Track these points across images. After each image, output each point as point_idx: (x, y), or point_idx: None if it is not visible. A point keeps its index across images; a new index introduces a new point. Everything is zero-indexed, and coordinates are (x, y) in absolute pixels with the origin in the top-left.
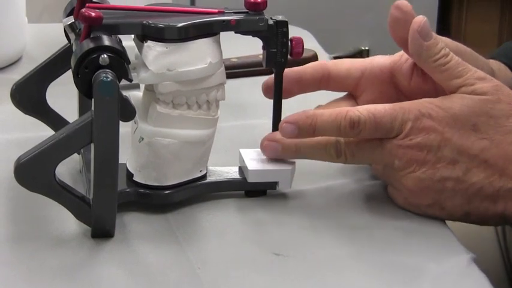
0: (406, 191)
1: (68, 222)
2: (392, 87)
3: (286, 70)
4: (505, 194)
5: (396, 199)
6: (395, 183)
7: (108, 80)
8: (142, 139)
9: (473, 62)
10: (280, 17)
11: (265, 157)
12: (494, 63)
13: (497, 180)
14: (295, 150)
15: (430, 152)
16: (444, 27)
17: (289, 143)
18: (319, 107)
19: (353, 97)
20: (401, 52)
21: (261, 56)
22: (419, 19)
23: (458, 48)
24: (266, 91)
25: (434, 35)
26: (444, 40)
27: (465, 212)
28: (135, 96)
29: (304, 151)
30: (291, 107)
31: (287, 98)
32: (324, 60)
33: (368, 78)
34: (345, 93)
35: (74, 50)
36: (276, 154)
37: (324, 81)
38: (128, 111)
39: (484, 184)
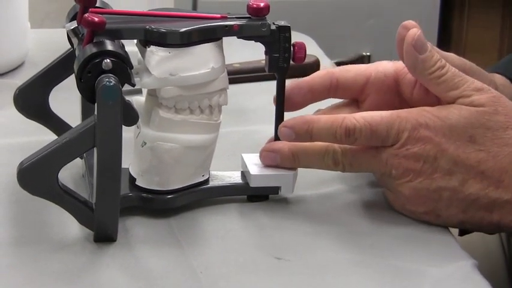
0: (402, 198)
1: (70, 226)
2: (395, 94)
3: (297, 82)
4: (501, 205)
5: (393, 203)
6: (392, 190)
7: (111, 84)
8: (145, 144)
9: (477, 77)
10: (282, 22)
11: None
12: (499, 78)
13: (493, 191)
14: (293, 160)
15: (427, 162)
16: (445, 34)
17: (287, 153)
18: (318, 111)
19: (355, 102)
20: None
21: (263, 61)
22: (413, 32)
23: (465, 66)
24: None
25: (430, 47)
26: (450, 57)
27: (460, 220)
28: (137, 101)
29: (302, 161)
30: (294, 113)
31: (300, 109)
32: (328, 67)
33: (373, 84)
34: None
35: (77, 55)
36: (275, 163)
37: (333, 90)
38: (130, 116)
39: (480, 195)
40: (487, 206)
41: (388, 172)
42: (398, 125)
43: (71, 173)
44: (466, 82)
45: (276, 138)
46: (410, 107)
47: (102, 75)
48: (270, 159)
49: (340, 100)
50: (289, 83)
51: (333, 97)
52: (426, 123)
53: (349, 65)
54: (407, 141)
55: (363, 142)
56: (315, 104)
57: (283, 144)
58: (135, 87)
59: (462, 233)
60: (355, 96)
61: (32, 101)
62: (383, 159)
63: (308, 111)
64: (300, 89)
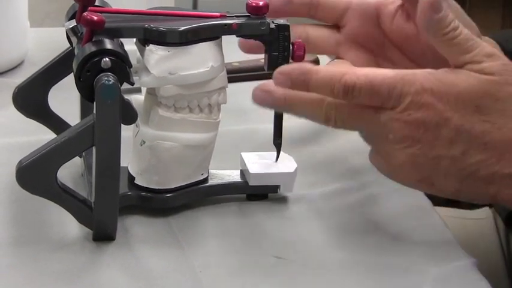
0: (396, 163)
1: (69, 225)
2: (375, 25)
3: None
4: (500, 178)
5: (381, 168)
6: (384, 154)
7: (110, 83)
8: (144, 142)
9: (460, 20)
10: (282, 21)
11: (267, 161)
12: (487, 39)
13: (494, 164)
14: (285, 104)
15: (428, 130)
16: None
17: (279, 96)
18: (297, 24)
19: (336, 26)
20: None
21: (262, 60)
22: None
23: (457, 11)
24: (244, 46)
25: (445, 5)
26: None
27: (456, 190)
28: (136, 99)
29: (293, 107)
30: None
31: (274, 17)
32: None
33: (354, 10)
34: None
35: (76, 54)
36: (266, 104)
37: (313, 8)
38: (129, 115)
39: (480, 166)
40: (485, 178)
41: (385, 135)
42: (402, 87)
43: (70, 172)
44: (478, 46)
45: (276, 136)
46: (389, 41)
47: (101, 74)
48: (261, 98)
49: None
50: None
51: (312, 17)
52: (431, 88)
53: None
54: (409, 106)
55: (362, 101)
56: None
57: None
58: (134, 86)
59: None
60: (334, 20)
61: (31, 100)
62: (381, 122)
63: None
64: None
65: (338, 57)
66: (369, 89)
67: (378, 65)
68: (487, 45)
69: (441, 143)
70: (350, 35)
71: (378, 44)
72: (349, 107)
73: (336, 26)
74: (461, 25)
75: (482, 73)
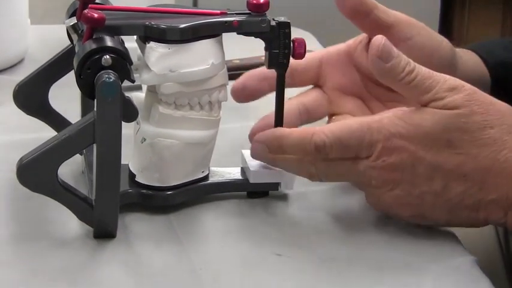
0: (385, 205)
1: (70, 223)
2: (353, 71)
3: (251, 71)
4: (486, 205)
5: (375, 207)
6: (374, 198)
7: (111, 80)
8: (145, 140)
9: (426, 37)
10: (282, 18)
11: None
12: (461, 50)
13: (477, 192)
14: (274, 163)
15: (405, 170)
16: (446, 31)
17: (268, 156)
18: (290, 99)
19: (319, 88)
20: (355, 37)
21: (263, 58)
22: (378, 41)
23: (409, 21)
24: (236, 96)
25: (396, 52)
26: (393, 14)
27: (447, 220)
28: (137, 97)
29: (281, 166)
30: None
31: (258, 98)
32: None
33: (327, 64)
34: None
35: (76, 51)
36: (259, 158)
37: (288, 77)
38: (130, 112)
39: (464, 196)
40: (472, 206)
41: (367, 182)
42: (370, 137)
43: (70, 170)
44: (438, 83)
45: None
46: (370, 80)
47: (102, 72)
48: (256, 152)
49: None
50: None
51: (290, 86)
52: (399, 132)
53: None
54: (382, 153)
55: (335, 156)
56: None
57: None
58: (135, 83)
59: None
60: (312, 82)
61: (32, 97)
62: (360, 171)
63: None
64: (253, 76)
65: (334, 115)
66: (338, 145)
67: (368, 107)
68: (448, 79)
69: (421, 181)
70: (334, 89)
71: (360, 87)
72: (326, 162)
73: (318, 87)
74: (417, 66)
75: (446, 108)
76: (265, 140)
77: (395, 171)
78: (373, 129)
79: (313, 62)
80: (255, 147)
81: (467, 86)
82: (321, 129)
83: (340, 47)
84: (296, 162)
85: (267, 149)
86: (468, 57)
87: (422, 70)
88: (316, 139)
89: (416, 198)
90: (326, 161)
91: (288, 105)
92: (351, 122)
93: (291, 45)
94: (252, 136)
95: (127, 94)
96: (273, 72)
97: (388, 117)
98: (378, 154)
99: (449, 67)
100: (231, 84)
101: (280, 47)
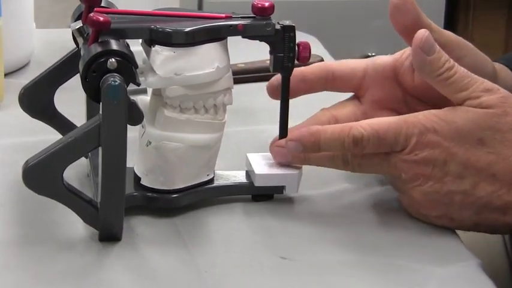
0: (414, 202)
1: (75, 225)
2: (396, 86)
3: None
4: None
5: (407, 208)
6: (404, 193)
7: (116, 84)
8: (150, 143)
9: (474, 58)
10: (287, 22)
11: (272, 161)
12: (497, 65)
13: (506, 194)
14: (304, 158)
15: (436, 166)
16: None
17: (299, 155)
18: (323, 109)
19: (357, 98)
20: (403, 50)
21: (268, 61)
22: (422, 33)
23: (459, 42)
24: (272, 92)
25: (438, 48)
26: (447, 35)
27: (475, 222)
28: (142, 100)
29: (312, 160)
30: (298, 110)
31: (293, 98)
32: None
33: (371, 76)
34: (348, 95)
35: (82, 54)
36: (285, 160)
37: (329, 82)
38: (135, 115)
39: (492, 197)
40: (499, 208)
41: (398, 175)
42: (406, 130)
43: (76, 172)
44: (476, 83)
45: (281, 137)
46: (412, 96)
47: (107, 75)
48: (280, 155)
49: (344, 96)
50: None
51: (329, 90)
52: (433, 127)
53: (348, 59)
54: (415, 147)
55: (371, 150)
56: (319, 101)
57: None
58: (140, 86)
59: None
60: (353, 90)
61: (37, 100)
62: (392, 164)
63: (311, 106)
64: (292, 77)
65: None
66: (376, 138)
67: None
68: (486, 81)
69: (451, 179)
70: (372, 101)
71: (400, 102)
72: (361, 154)
73: (356, 97)
74: (457, 64)
75: (480, 107)
76: (300, 138)
77: (426, 166)
78: (409, 123)
79: (357, 71)
80: (289, 145)
81: (503, 89)
82: (358, 123)
83: (387, 60)
84: (329, 157)
85: (301, 147)
86: (505, 74)
87: (461, 69)
88: (355, 132)
89: (444, 197)
90: (361, 155)
91: (319, 116)
92: (387, 117)
93: (296, 48)
94: (273, 144)
95: (132, 97)
96: (312, 74)
97: (424, 114)
98: (412, 148)
99: None
100: (242, 86)
101: (285, 51)
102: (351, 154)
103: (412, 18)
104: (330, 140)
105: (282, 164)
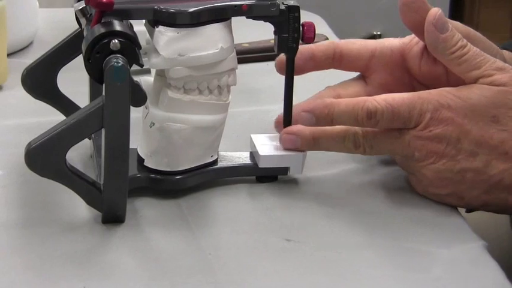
0: (425, 180)
1: (78, 207)
2: (403, 70)
3: (300, 47)
4: None
5: (416, 187)
6: (415, 173)
7: (119, 65)
8: (154, 124)
9: (484, 48)
10: (292, 2)
11: (277, 142)
12: (506, 53)
13: None
14: (314, 143)
15: (450, 144)
16: (457, 13)
17: (307, 136)
18: (328, 87)
19: (363, 78)
20: (412, 35)
21: (272, 41)
22: (435, 11)
23: (469, 34)
24: (280, 68)
25: (451, 26)
26: (456, 25)
27: (484, 201)
28: (146, 81)
29: (322, 144)
30: (303, 89)
31: (299, 74)
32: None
33: (379, 58)
34: (354, 75)
35: (85, 35)
36: (295, 146)
37: (336, 60)
38: (139, 97)
39: (503, 176)
40: (510, 186)
41: (411, 154)
42: (420, 106)
43: (79, 154)
44: (488, 61)
45: (285, 117)
46: (419, 83)
47: (110, 56)
48: (290, 142)
49: (350, 75)
50: None
51: (336, 68)
52: (448, 104)
53: (356, 39)
54: (429, 123)
55: (384, 125)
56: (325, 81)
57: (303, 127)
58: (144, 67)
59: (469, 210)
60: (359, 70)
61: (40, 81)
62: (405, 141)
63: (316, 84)
64: (301, 53)
65: None
66: (390, 112)
67: None
68: (497, 60)
69: (464, 157)
70: (378, 83)
71: (406, 87)
72: (374, 132)
73: (362, 77)
74: (469, 44)
75: (494, 84)
76: (313, 109)
77: (440, 143)
78: (423, 99)
79: (365, 52)
80: (303, 116)
81: None
82: (373, 98)
83: (395, 43)
84: (341, 134)
85: (314, 118)
86: (509, 56)
87: (473, 48)
88: (369, 105)
89: (456, 175)
90: (374, 131)
91: (323, 94)
92: (401, 93)
93: (301, 29)
94: (278, 123)
95: (136, 78)
96: (321, 52)
97: (438, 91)
98: (426, 124)
99: None
100: (246, 66)
101: (290, 31)
102: (362, 135)
103: (422, 15)
104: (343, 113)
105: None
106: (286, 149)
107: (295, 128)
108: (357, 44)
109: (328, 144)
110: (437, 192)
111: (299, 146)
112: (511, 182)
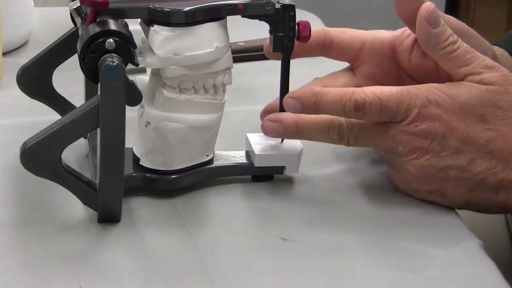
0: (408, 176)
1: (74, 207)
2: (392, 63)
3: None
4: (507, 185)
5: (397, 182)
6: (398, 168)
7: (115, 64)
8: (149, 123)
9: (475, 44)
10: (287, 1)
11: (273, 141)
12: (498, 50)
13: (501, 171)
14: (296, 131)
15: (435, 140)
16: (452, 11)
17: (290, 123)
18: (316, 79)
19: (351, 70)
20: (404, 28)
21: (268, 40)
22: (428, 5)
23: (462, 28)
24: (268, 52)
25: (443, 21)
26: (449, 19)
27: (466, 200)
28: (141, 80)
29: (305, 133)
30: (296, 83)
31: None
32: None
33: (369, 49)
34: (343, 67)
35: (80, 35)
36: (277, 134)
37: (326, 48)
38: (134, 96)
39: (487, 174)
40: (493, 186)
41: (395, 148)
42: (408, 101)
43: (74, 153)
44: (478, 59)
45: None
46: (408, 76)
47: (106, 55)
48: (272, 129)
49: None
50: None
51: (325, 56)
52: (436, 100)
53: (347, 28)
54: (416, 118)
55: (371, 117)
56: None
57: (287, 115)
58: (139, 66)
59: None
60: (348, 60)
61: (35, 80)
62: (390, 135)
63: (305, 76)
64: None
65: None
66: (378, 105)
67: None
68: (487, 58)
69: (448, 154)
70: (367, 75)
71: (394, 80)
72: (359, 124)
73: (350, 69)
74: (460, 40)
75: (482, 83)
76: (300, 96)
77: (425, 138)
78: (412, 94)
79: (356, 42)
80: (289, 102)
81: (503, 68)
82: (361, 89)
83: (386, 35)
84: (326, 124)
85: (300, 106)
86: (505, 59)
87: (464, 44)
88: (357, 97)
89: (440, 172)
90: (359, 122)
91: (311, 85)
92: (390, 87)
93: (296, 28)
94: (263, 113)
95: (131, 77)
96: (311, 37)
97: (426, 86)
98: (412, 119)
99: None
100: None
101: (285, 30)
102: (346, 127)
103: (416, 8)
104: (330, 103)
105: (282, 145)
106: (279, 144)
107: (279, 115)
108: (348, 34)
109: (311, 133)
110: (420, 188)
111: (281, 133)
112: (495, 180)
